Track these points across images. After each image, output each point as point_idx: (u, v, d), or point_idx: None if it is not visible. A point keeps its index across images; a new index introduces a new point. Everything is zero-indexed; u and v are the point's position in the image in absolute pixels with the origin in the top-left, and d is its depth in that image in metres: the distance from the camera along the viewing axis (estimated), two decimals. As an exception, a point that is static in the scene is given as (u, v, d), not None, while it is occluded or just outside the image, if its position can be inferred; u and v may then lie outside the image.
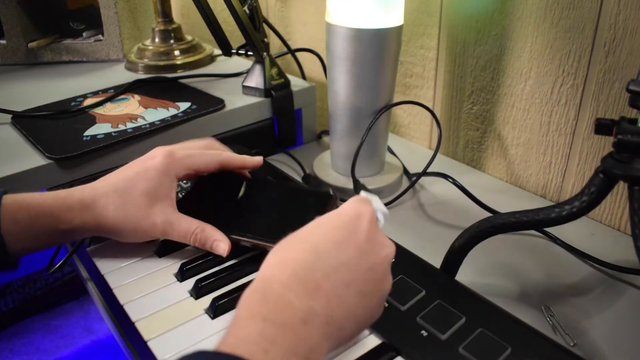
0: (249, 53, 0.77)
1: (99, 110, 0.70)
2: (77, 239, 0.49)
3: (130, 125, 0.65)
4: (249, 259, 0.46)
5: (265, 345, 0.27)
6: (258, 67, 0.75)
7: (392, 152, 0.73)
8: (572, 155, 0.60)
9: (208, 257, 0.46)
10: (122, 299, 0.43)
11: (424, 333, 0.37)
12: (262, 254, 0.46)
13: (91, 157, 0.60)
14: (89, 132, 0.64)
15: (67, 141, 0.61)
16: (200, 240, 0.45)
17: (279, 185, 0.51)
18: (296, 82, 0.79)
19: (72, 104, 0.73)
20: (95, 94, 0.76)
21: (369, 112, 0.61)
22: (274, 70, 0.75)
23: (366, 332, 0.38)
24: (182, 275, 0.44)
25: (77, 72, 0.88)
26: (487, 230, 0.43)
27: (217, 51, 0.95)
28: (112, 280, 0.45)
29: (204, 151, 0.48)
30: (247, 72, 0.77)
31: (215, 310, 0.40)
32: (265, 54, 0.75)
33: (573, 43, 0.56)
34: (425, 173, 0.64)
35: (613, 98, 0.55)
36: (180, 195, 0.56)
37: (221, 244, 0.45)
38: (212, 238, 0.45)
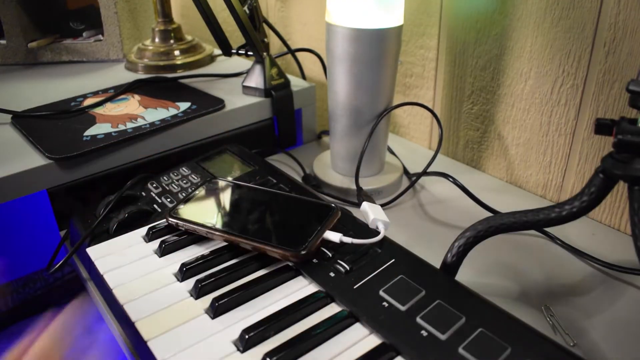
0: (249, 53, 0.77)
1: (99, 110, 0.70)
2: None
3: (130, 125, 0.65)
4: (249, 259, 0.46)
5: None
6: (258, 67, 0.75)
7: (392, 152, 0.73)
8: (572, 155, 0.60)
9: (208, 257, 0.46)
10: (122, 299, 0.43)
11: (424, 333, 0.37)
12: (261, 255, 0.46)
13: (91, 157, 0.60)
14: (89, 132, 0.64)
15: (67, 141, 0.61)
16: None
17: (282, 194, 0.52)
18: (296, 82, 0.79)
19: (72, 104, 0.73)
20: (95, 94, 0.76)
21: (369, 112, 0.61)
22: (274, 70, 0.75)
23: (366, 332, 0.38)
24: (182, 275, 0.44)
25: (77, 72, 0.88)
26: (487, 230, 0.43)
27: (217, 51, 0.95)
28: (112, 280, 0.45)
29: None
30: (247, 72, 0.77)
31: (215, 310, 0.40)
32: (265, 54, 0.75)
33: (573, 43, 0.56)
34: (425, 173, 0.64)
35: (613, 98, 0.55)
36: (181, 197, 0.57)
37: None
38: None
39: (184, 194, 0.57)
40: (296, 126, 0.79)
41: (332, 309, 0.41)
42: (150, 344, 0.38)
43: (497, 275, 0.51)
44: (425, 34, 0.71)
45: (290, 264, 0.45)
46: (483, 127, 0.69)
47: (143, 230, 0.51)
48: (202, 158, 0.64)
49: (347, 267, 0.43)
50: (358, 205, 0.60)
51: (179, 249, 0.48)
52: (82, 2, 0.98)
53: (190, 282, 0.44)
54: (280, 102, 0.75)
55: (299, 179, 0.68)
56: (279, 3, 0.94)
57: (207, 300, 0.42)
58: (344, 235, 0.45)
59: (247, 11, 0.72)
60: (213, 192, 0.53)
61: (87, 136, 0.63)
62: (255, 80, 0.75)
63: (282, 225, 0.47)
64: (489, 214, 0.59)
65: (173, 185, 0.59)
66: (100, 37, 0.94)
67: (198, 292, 0.42)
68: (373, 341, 0.38)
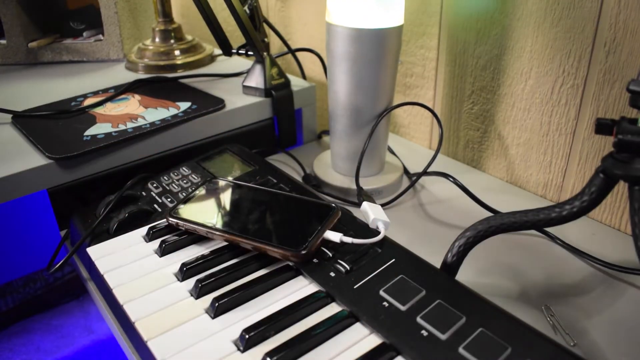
0: (249, 53, 0.77)
1: (99, 110, 0.70)
2: None
3: (130, 125, 0.65)
4: (249, 259, 0.46)
5: None
6: (258, 67, 0.75)
7: (392, 152, 0.73)
8: (573, 155, 0.60)
9: (208, 257, 0.46)
10: (121, 299, 0.43)
11: (424, 333, 0.37)
12: (262, 255, 0.46)
13: (91, 156, 0.60)
14: (89, 132, 0.64)
15: (68, 141, 0.61)
16: None
17: (283, 194, 0.52)
18: (296, 82, 0.79)
19: (72, 103, 0.73)
20: (95, 93, 0.76)
21: (369, 112, 0.61)
22: (274, 70, 0.75)
23: (366, 331, 0.38)
24: (182, 275, 0.44)
25: (77, 72, 0.88)
26: (487, 230, 0.43)
27: (217, 51, 0.95)
28: (112, 280, 0.45)
29: None
30: (247, 72, 0.77)
31: (216, 310, 0.40)
32: (265, 53, 0.75)
33: (573, 43, 0.56)
34: (425, 173, 0.64)
35: (613, 98, 0.55)
36: (181, 197, 0.57)
37: None
38: None
39: (184, 194, 0.57)
40: (296, 126, 0.79)
41: (332, 309, 0.41)
42: (150, 344, 0.38)
43: (497, 275, 0.51)
44: (426, 34, 0.71)
45: (290, 263, 0.45)
46: (483, 127, 0.69)
47: (143, 230, 0.51)
48: (203, 158, 0.64)
49: (348, 267, 0.43)
50: (358, 205, 0.60)
51: (179, 248, 0.48)
52: (82, 2, 0.98)
53: (191, 282, 0.44)
54: (281, 102, 0.75)
55: (299, 179, 0.68)
56: (279, 3, 0.94)
57: (207, 300, 0.42)
58: (344, 235, 0.45)
59: (248, 11, 0.72)
60: (213, 192, 0.53)
61: (87, 136, 0.63)
62: (256, 80, 0.75)
63: (282, 225, 0.47)
64: (489, 214, 0.59)
65: (173, 185, 0.59)
66: (100, 37, 0.94)
67: (198, 291, 0.42)
68: (373, 341, 0.38)
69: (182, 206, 0.51)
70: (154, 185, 0.59)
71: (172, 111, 0.69)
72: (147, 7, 1.00)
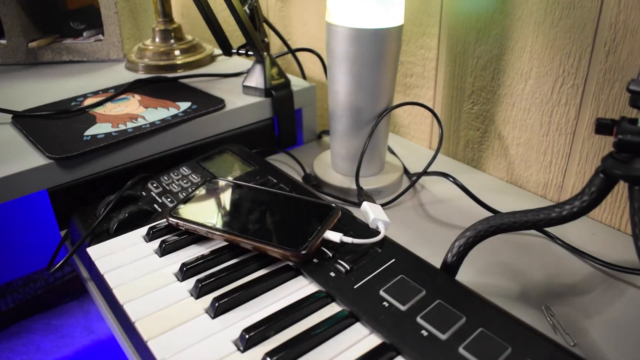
0: (249, 53, 0.77)
1: (99, 110, 0.70)
2: None
3: (130, 125, 0.65)
4: (249, 259, 0.46)
5: None
6: (258, 67, 0.75)
7: (392, 152, 0.73)
8: (573, 155, 0.60)
9: (208, 257, 0.46)
10: (121, 299, 0.43)
11: (424, 333, 0.37)
12: (262, 255, 0.46)
13: (91, 156, 0.60)
14: (89, 131, 0.64)
15: (68, 141, 0.61)
16: None
17: (283, 194, 0.52)
18: (296, 82, 0.79)
19: (72, 103, 0.73)
20: (95, 93, 0.76)
21: (369, 112, 0.61)
22: (274, 70, 0.75)
23: (366, 331, 0.38)
24: (182, 275, 0.44)
25: (77, 72, 0.88)
26: (487, 230, 0.43)
27: (217, 51, 0.95)
28: (112, 280, 0.45)
29: None
30: (247, 72, 0.77)
31: (216, 310, 0.40)
32: (265, 53, 0.75)
33: (573, 43, 0.56)
34: (425, 173, 0.64)
35: (613, 98, 0.55)
36: (181, 196, 0.57)
37: None
38: None
39: (184, 194, 0.57)
40: (296, 126, 0.79)
41: (332, 309, 0.41)
42: (150, 344, 0.38)
43: (497, 275, 0.51)
44: (426, 34, 0.71)
45: (290, 263, 0.45)
46: (483, 127, 0.69)
47: (143, 230, 0.51)
48: (203, 158, 0.64)
49: (348, 267, 0.43)
50: (358, 205, 0.60)
51: (179, 248, 0.48)
52: (82, 2, 0.98)
53: (191, 282, 0.44)
54: (281, 102, 0.75)
55: (299, 179, 0.68)
56: (279, 3, 0.94)
57: (207, 300, 0.42)
58: (344, 235, 0.45)
59: (248, 11, 0.72)
60: (213, 191, 0.53)
61: (87, 136, 0.63)
62: (256, 80, 0.75)
63: (282, 225, 0.47)
64: (489, 214, 0.59)
65: (173, 185, 0.59)
66: (100, 37, 0.94)
67: (198, 291, 0.42)
68: (373, 341, 0.38)
69: (182, 206, 0.51)
70: (154, 185, 0.59)
71: (172, 111, 0.69)
72: (147, 7, 1.00)
